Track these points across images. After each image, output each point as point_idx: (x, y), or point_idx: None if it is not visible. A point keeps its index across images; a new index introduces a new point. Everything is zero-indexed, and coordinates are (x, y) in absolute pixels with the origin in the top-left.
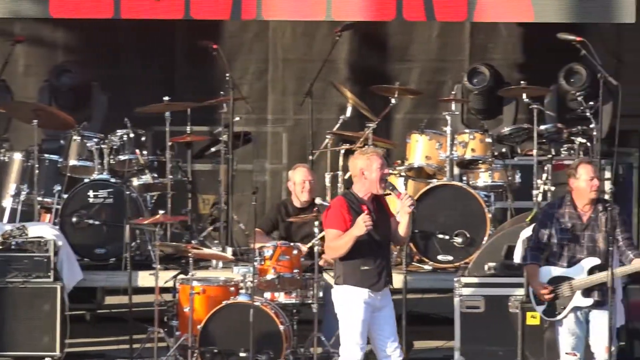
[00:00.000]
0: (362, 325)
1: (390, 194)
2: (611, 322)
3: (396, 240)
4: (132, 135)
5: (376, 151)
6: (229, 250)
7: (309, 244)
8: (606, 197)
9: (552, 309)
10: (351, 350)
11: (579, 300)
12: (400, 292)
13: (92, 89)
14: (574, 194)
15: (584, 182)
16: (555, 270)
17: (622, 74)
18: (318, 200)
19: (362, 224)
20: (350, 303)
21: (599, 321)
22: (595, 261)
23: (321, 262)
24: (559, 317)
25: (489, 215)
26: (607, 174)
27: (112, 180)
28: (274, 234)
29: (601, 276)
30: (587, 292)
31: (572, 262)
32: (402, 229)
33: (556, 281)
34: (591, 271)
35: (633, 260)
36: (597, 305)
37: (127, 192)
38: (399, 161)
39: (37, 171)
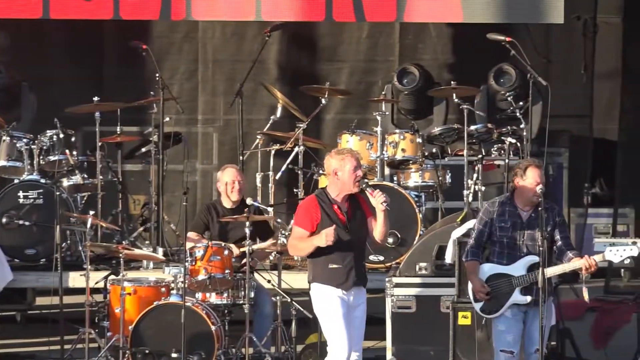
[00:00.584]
0: (342, 320)
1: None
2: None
3: (371, 240)
4: (62, 135)
5: (351, 152)
6: (160, 250)
7: (243, 249)
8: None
9: (490, 306)
10: (336, 351)
11: (517, 297)
12: None
13: (21, 89)
14: (516, 193)
15: (530, 185)
16: (495, 268)
17: (552, 75)
18: (249, 201)
19: (324, 238)
20: (323, 300)
21: (534, 322)
22: (534, 259)
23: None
24: (496, 314)
25: (419, 216)
26: None
27: (42, 180)
28: (206, 234)
29: (554, 270)
30: (525, 290)
31: (512, 259)
32: (377, 229)
33: (495, 278)
34: (530, 269)
35: (572, 259)
36: (535, 303)
37: (57, 193)
38: None
39: None
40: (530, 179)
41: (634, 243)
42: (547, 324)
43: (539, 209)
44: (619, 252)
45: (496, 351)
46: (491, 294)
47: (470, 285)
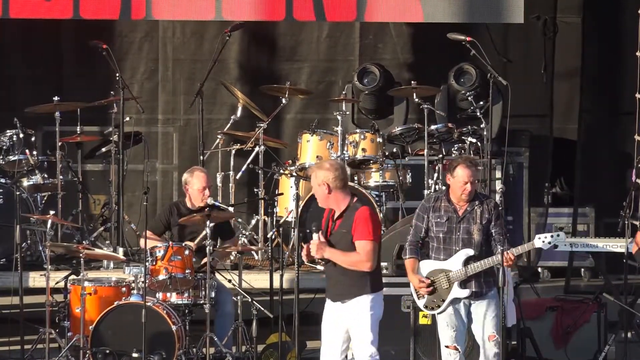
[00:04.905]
0: (324, 332)
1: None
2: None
3: None
4: (21, 135)
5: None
6: (121, 250)
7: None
8: (497, 197)
9: (432, 302)
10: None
11: (456, 292)
12: (292, 292)
13: None
14: (450, 189)
15: (458, 184)
16: (433, 264)
17: (512, 74)
18: (210, 201)
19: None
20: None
21: (480, 311)
22: (470, 252)
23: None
24: (438, 310)
25: (380, 215)
26: (498, 174)
27: (2, 180)
28: (166, 234)
29: (475, 267)
30: (463, 284)
31: (449, 254)
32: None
33: (434, 274)
34: (466, 262)
35: (498, 254)
36: (476, 296)
37: (17, 193)
38: (290, 161)
39: None
40: (458, 177)
41: (561, 229)
42: (497, 312)
43: (475, 202)
44: (546, 240)
45: (441, 347)
46: (431, 291)
47: (411, 284)
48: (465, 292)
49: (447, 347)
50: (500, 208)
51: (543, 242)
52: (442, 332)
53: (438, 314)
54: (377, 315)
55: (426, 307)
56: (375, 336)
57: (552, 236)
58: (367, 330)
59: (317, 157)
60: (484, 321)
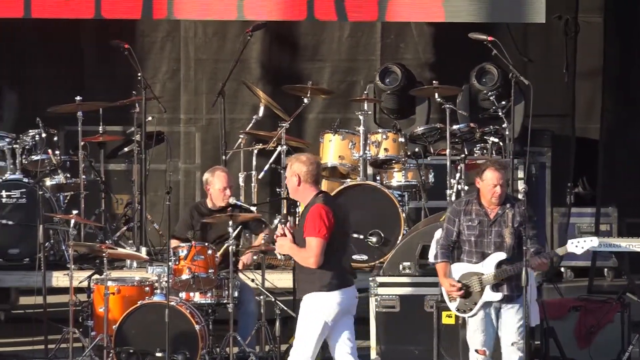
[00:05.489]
0: None
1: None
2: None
3: None
4: (44, 135)
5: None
6: (143, 250)
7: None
8: (519, 196)
9: (465, 305)
10: None
11: (488, 295)
12: None
13: (2, 88)
14: (480, 193)
15: (487, 187)
16: (466, 267)
17: (533, 74)
18: (232, 200)
19: None
20: None
21: (509, 315)
22: (502, 256)
23: (240, 265)
24: (470, 314)
25: (402, 215)
26: (520, 174)
27: (25, 180)
28: (189, 234)
29: (508, 270)
30: (496, 287)
31: (481, 257)
32: None
33: (467, 277)
34: (499, 266)
35: (531, 258)
36: (507, 300)
37: (40, 192)
38: None
39: None
40: (487, 180)
41: (595, 235)
42: (524, 322)
43: (506, 205)
44: (580, 244)
45: (470, 351)
46: (464, 289)
47: (443, 287)
48: (498, 296)
49: (476, 351)
50: (531, 210)
51: (576, 246)
52: (473, 335)
53: (469, 317)
54: (319, 315)
55: (458, 310)
56: (310, 337)
57: (584, 241)
58: (302, 329)
59: (339, 156)
60: (512, 326)
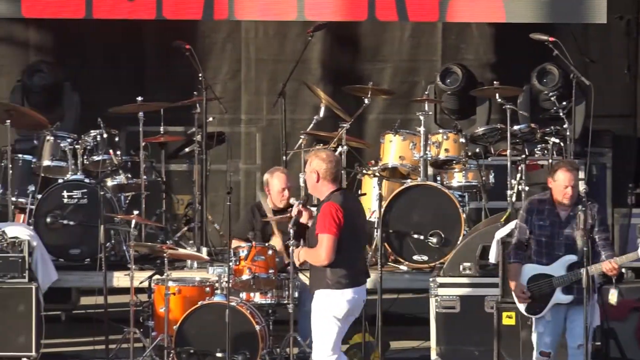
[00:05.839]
0: None
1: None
2: (591, 322)
3: None
4: (105, 135)
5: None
6: (204, 250)
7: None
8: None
9: (534, 307)
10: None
11: (559, 297)
12: (376, 292)
13: (64, 88)
14: (552, 192)
15: (559, 188)
16: (536, 268)
17: (594, 74)
18: (293, 201)
19: None
20: None
21: (577, 318)
22: (573, 258)
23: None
24: (539, 315)
25: (463, 216)
26: (581, 174)
27: (86, 180)
28: (249, 234)
29: (578, 273)
30: (566, 289)
31: (551, 259)
32: None
33: (537, 279)
34: (570, 268)
35: (603, 263)
36: (577, 302)
37: (101, 193)
38: (373, 161)
39: (10, 171)
40: (560, 181)
41: None
42: (591, 323)
43: (578, 207)
44: None
45: (534, 352)
46: (532, 296)
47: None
48: (568, 298)
49: (540, 353)
50: (604, 213)
51: None
52: (539, 337)
53: (538, 318)
54: (328, 313)
55: (527, 310)
56: (325, 335)
57: None
58: (316, 328)
59: (400, 157)
60: (580, 329)
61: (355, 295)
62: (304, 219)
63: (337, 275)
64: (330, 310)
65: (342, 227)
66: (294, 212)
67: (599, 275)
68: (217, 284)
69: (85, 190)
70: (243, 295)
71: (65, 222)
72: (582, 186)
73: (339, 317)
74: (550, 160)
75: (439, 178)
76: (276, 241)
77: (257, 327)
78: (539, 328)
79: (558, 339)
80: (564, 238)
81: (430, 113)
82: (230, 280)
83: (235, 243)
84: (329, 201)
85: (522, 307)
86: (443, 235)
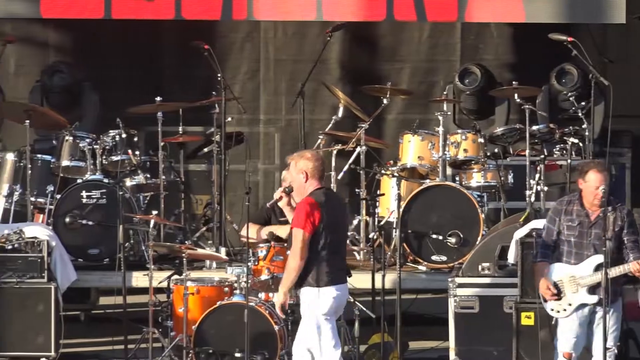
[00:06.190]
0: None
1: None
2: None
3: None
4: (124, 135)
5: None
6: (223, 250)
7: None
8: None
9: (559, 306)
10: None
11: (584, 297)
12: (394, 292)
13: (83, 89)
14: (582, 193)
15: (590, 189)
16: (564, 267)
17: (613, 75)
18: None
19: None
20: None
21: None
22: (601, 259)
23: None
24: (564, 315)
25: (482, 216)
26: None
27: (105, 180)
28: (268, 235)
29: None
30: (592, 290)
31: (579, 259)
32: None
33: (564, 278)
34: (597, 269)
35: (631, 263)
36: (602, 303)
37: (120, 193)
38: (392, 161)
39: (29, 171)
40: (591, 182)
41: None
42: (617, 324)
43: (608, 208)
44: None
45: (557, 352)
46: (559, 294)
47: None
48: (594, 298)
49: (564, 353)
50: (633, 215)
51: None
52: (563, 337)
53: (562, 318)
54: (311, 310)
55: (552, 310)
56: (305, 331)
57: None
58: (301, 324)
59: (419, 157)
60: (606, 331)
61: (338, 293)
62: (282, 203)
63: (318, 273)
64: (313, 307)
65: (316, 225)
66: (276, 195)
67: (622, 276)
68: (235, 284)
69: (104, 190)
70: (262, 295)
71: (84, 222)
72: (601, 187)
73: (320, 314)
74: (569, 161)
75: (457, 178)
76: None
77: (276, 327)
78: (564, 328)
79: (583, 340)
80: (592, 238)
81: (449, 113)
82: (249, 280)
83: (251, 227)
84: (306, 197)
85: (547, 307)
86: (462, 236)
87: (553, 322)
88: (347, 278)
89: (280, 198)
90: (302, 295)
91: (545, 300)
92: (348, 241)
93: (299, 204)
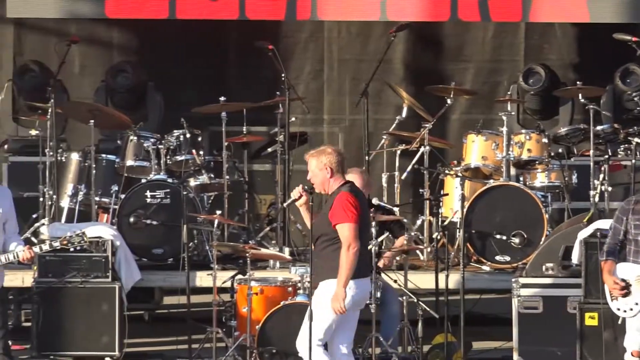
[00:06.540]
0: None
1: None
2: None
3: None
4: (188, 135)
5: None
6: (287, 250)
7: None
8: None
9: (625, 305)
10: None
11: None
12: (458, 292)
13: (147, 89)
14: None
15: None
16: (631, 267)
17: None
18: (375, 201)
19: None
20: None
21: None
22: None
23: (380, 264)
24: (631, 314)
25: (546, 216)
26: None
27: (169, 180)
28: None
29: None
30: None
31: None
32: None
33: (632, 277)
34: None
35: None
36: None
37: (184, 193)
38: (455, 161)
39: (94, 171)
40: None
41: None
42: None
43: None
44: None
45: (627, 352)
46: (627, 289)
47: (606, 286)
48: None
49: (632, 352)
50: None
51: None
52: (630, 336)
53: (630, 317)
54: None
55: (618, 309)
56: (320, 323)
57: None
58: (315, 315)
59: (482, 157)
60: None
61: (364, 286)
62: (300, 202)
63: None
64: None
65: (359, 217)
66: (295, 194)
67: None
68: (299, 284)
69: (168, 190)
70: None
71: (148, 221)
72: None
73: (349, 306)
74: (633, 161)
75: (521, 178)
76: None
77: None
78: (632, 327)
79: None
80: None
81: (513, 113)
82: (313, 280)
83: None
84: (344, 191)
85: (614, 306)
86: (525, 236)
87: (619, 322)
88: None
89: (300, 197)
90: (324, 287)
91: (612, 299)
92: (412, 241)
93: (340, 199)
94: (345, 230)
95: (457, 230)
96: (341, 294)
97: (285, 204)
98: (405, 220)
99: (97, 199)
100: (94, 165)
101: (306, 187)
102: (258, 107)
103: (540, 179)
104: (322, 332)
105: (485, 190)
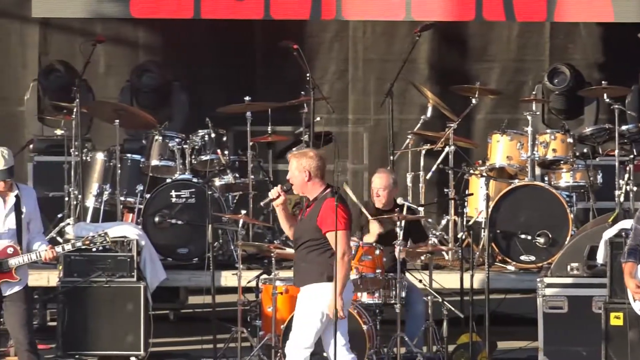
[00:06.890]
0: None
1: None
2: None
3: None
4: (213, 135)
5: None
6: None
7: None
8: None
9: None
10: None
11: None
12: (483, 292)
13: (172, 88)
14: None
15: None
16: None
17: None
18: (400, 201)
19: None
20: None
21: None
22: None
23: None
24: None
25: (571, 216)
26: None
27: (194, 180)
28: (356, 234)
29: None
30: None
31: None
32: None
33: None
34: None
35: None
36: None
37: (209, 192)
38: (480, 161)
39: (119, 171)
40: None
41: None
42: None
43: None
44: None
45: None
46: None
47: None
48: None
49: None
50: None
51: None
52: None
53: None
54: (317, 306)
55: None
56: (306, 327)
57: None
58: (300, 320)
59: (507, 157)
60: None
61: (349, 288)
62: (277, 202)
63: (329, 268)
64: (320, 303)
65: (348, 223)
66: (273, 194)
67: None
68: None
69: (193, 190)
70: None
71: (173, 221)
72: None
73: (327, 311)
74: None
75: (546, 178)
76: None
77: (365, 327)
78: None
79: None
80: None
81: (538, 113)
82: None
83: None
84: (331, 197)
85: (637, 307)
86: (550, 236)
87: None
88: None
89: (278, 196)
90: (311, 291)
91: (635, 300)
92: (437, 240)
93: (326, 206)
94: (339, 238)
95: (482, 230)
96: (340, 302)
97: (262, 203)
98: (430, 220)
99: (122, 198)
100: (119, 165)
101: (284, 186)
102: (283, 106)
103: (565, 178)
104: (310, 337)
105: (510, 190)
